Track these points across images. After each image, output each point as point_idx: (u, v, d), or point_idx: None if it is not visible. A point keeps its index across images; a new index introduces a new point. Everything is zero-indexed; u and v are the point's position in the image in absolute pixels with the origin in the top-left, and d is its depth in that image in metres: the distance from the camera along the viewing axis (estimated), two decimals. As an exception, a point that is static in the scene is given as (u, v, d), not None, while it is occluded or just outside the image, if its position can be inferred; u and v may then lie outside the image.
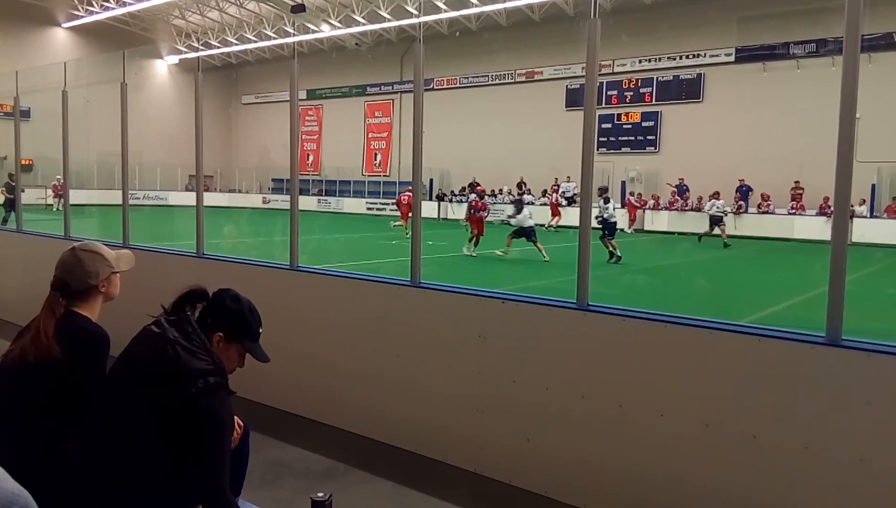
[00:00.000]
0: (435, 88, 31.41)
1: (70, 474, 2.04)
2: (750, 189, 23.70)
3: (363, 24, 31.76)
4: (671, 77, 26.72)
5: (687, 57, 26.18)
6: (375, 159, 36.24)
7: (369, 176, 36.01)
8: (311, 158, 37.74)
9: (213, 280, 2.47)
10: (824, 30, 21.47)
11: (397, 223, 19.88)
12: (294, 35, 33.88)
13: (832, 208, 3.24)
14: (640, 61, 27.21)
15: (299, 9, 27.19)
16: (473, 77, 31.93)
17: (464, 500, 3.72)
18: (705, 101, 26.06)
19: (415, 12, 28.85)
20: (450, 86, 32.25)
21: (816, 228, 20.35)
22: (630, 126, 27.52)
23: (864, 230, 19.40)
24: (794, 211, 22.93)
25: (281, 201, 31.44)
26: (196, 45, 36.20)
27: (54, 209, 24.00)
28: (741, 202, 23.37)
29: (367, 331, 4.58)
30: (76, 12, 33.97)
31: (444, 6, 28.37)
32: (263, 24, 34.46)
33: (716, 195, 20.70)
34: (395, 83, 34.90)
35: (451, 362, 4.14)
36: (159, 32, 37.35)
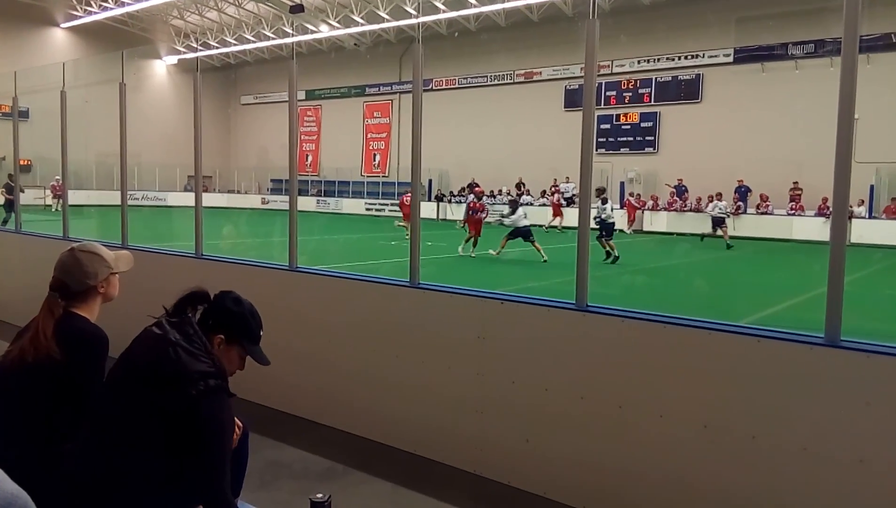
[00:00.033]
0: (434, 88, 31.41)
1: (69, 474, 2.04)
2: (749, 190, 23.73)
3: (362, 25, 31.79)
4: (670, 78, 26.74)
5: (685, 58, 26.20)
6: (374, 160, 36.24)
7: (368, 177, 36.01)
8: (309, 158, 37.73)
9: (212, 281, 2.47)
10: (823, 30, 21.50)
11: (401, 224, 19.91)
12: (293, 35, 33.87)
13: (831, 209, 3.24)
14: (638, 62, 27.23)
15: (298, 9, 27.19)
16: (472, 78, 31.94)
17: (463, 501, 3.72)
18: (704, 101, 26.08)
19: (413, 13, 28.85)
20: (449, 86, 32.25)
21: (815, 228, 20.37)
22: (629, 127, 27.54)
23: (863, 231, 19.42)
24: (792, 212, 22.96)
25: (280, 202, 31.44)
26: (195, 46, 36.19)
27: (53, 210, 24.01)
28: (740, 203, 23.40)
29: (366, 332, 4.58)
30: (75, 12, 33.97)
31: (442, 7, 28.37)
32: (262, 24, 34.46)
33: (718, 196, 20.73)
34: (393, 84, 34.92)
35: (451, 362, 4.14)
36: (158, 33, 37.35)
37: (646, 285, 12.57)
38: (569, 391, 3.66)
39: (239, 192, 38.73)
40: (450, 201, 29.84)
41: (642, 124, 27.26)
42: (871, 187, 21.36)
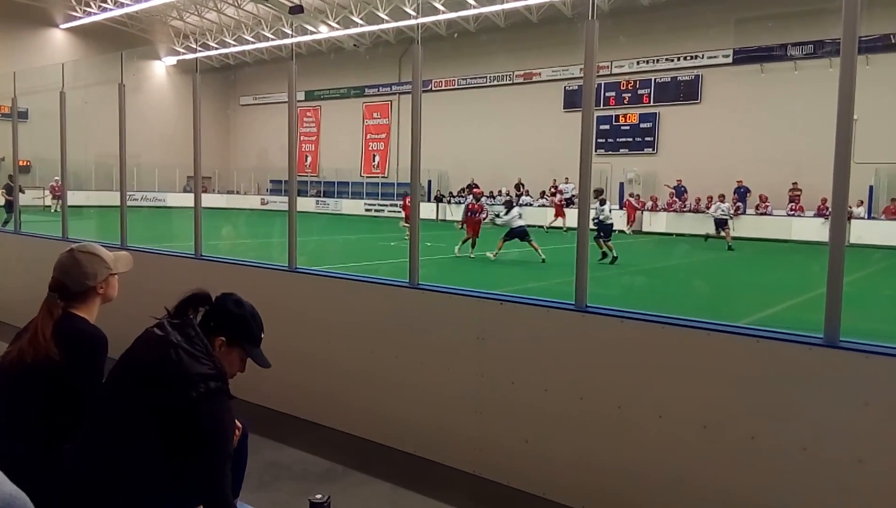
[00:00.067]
0: (433, 89, 31.42)
1: (68, 475, 2.04)
2: (748, 190, 23.75)
3: (361, 26, 31.79)
4: (669, 78, 26.76)
5: (685, 58, 26.22)
6: (374, 161, 36.24)
7: (367, 177, 36.01)
8: (309, 159, 37.73)
9: (212, 282, 2.47)
10: (822, 31, 21.51)
11: (406, 224, 19.94)
12: (292, 36, 33.91)
13: (830, 210, 3.25)
14: (637, 63, 27.25)
15: (297, 10, 27.19)
16: (472, 78, 31.95)
17: (462, 501, 3.72)
18: (703, 102, 26.10)
19: (413, 13, 28.86)
20: (448, 87, 32.26)
21: (814, 229, 20.38)
22: (628, 127, 27.56)
23: (862, 232, 19.44)
24: (792, 212, 22.97)
25: (279, 203, 31.40)
26: (194, 47, 36.20)
27: (52, 211, 24.00)
28: (739, 204, 23.41)
29: (365, 332, 4.58)
30: (74, 13, 33.97)
31: (442, 7, 28.39)
32: (261, 25, 34.46)
33: (721, 198, 20.75)
34: (393, 84, 34.93)
35: (450, 363, 4.14)
36: (157, 34, 37.36)
37: (645, 286, 12.58)
38: (568, 391, 3.67)
39: (238, 193, 38.72)
40: (449, 202, 29.85)
41: (641, 125, 27.28)
42: (870, 188, 21.38)
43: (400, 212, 22.22)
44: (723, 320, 3.47)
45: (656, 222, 25.00)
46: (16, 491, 1.12)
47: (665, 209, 25.33)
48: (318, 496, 2.22)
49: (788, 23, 22.72)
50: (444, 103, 30.25)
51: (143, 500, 2.00)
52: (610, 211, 15.26)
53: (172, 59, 37.91)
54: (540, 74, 29.78)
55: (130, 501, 1.99)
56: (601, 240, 14.35)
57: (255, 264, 5.61)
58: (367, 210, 33.48)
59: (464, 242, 15.05)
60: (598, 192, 15.43)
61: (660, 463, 3.37)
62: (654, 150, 27.14)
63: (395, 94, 34.94)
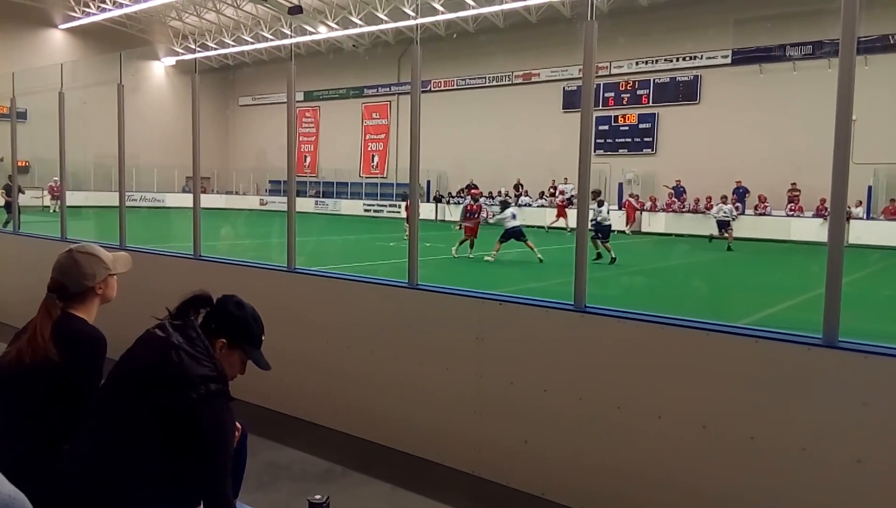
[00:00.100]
0: (432, 89, 31.42)
1: (67, 475, 2.03)
2: (747, 191, 23.77)
3: (360, 26, 31.78)
4: (668, 79, 26.78)
5: (683, 59, 26.24)
6: (373, 161, 36.24)
7: (367, 178, 36.01)
8: (308, 159, 37.72)
9: (211, 282, 2.47)
10: (821, 32, 21.54)
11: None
12: (291, 37, 33.88)
13: (829, 210, 3.24)
14: (636, 63, 27.28)
15: (296, 10, 27.18)
16: (471, 79, 31.96)
17: (461, 502, 3.72)
18: (702, 102, 26.12)
19: (412, 14, 28.87)
20: (447, 87, 32.27)
21: (813, 229, 20.38)
22: (627, 128, 27.58)
23: (861, 232, 19.44)
24: (790, 213, 22.99)
25: (278, 203, 31.37)
26: (193, 47, 36.18)
27: (51, 211, 23.99)
28: (738, 204, 23.41)
29: (364, 333, 4.58)
30: (73, 14, 33.96)
31: (441, 8, 28.40)
32: (260, 25, 34.45)
33: (723, 199, 20.75)
34: (392, 85, 34.94)
35: (449, 364, 4.14)
36: (156, 34, 37.34)
37: (644, 286, 12.58)
38: (567, 391, 3.67)
39: (237, 193, 38.71)
40: (448, 203, 29.85)
41: (640, 126, 27.30)
42: (869, 188, 21.41)
43: (402, 214, 22.20)
44: (722, 320, 3.47)
45: (655, 223, 25.02)
46: (15, 492, 1.12)
47: (664, 210, 25.34)
48: (318, 496, 2.22)
49: (787, 23, 22.73)
50: (444, 104, 30.25)
51: (143, 501, 2.00)
52: (608, 212, 15.28)
53: (171, 60, 37.91)
54: (539, 74, 29.80)
55: (130, 501, 1.98)
56: (598, 241, 14.37)
57: (254, 264, 5.60)
58: (365, 211, 33.47)
59: (461, 242, 15.06)
60: (596, 193, 15.45)
61: (659, 464, 3.37)
62: (653, 150, 27.16)
63: (394, 94, 34.95)
